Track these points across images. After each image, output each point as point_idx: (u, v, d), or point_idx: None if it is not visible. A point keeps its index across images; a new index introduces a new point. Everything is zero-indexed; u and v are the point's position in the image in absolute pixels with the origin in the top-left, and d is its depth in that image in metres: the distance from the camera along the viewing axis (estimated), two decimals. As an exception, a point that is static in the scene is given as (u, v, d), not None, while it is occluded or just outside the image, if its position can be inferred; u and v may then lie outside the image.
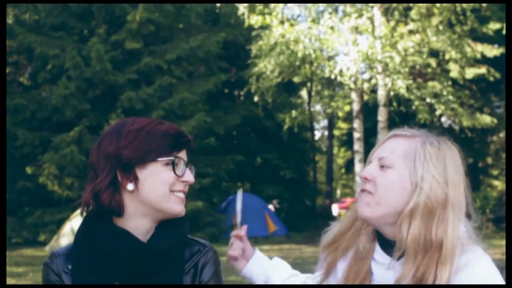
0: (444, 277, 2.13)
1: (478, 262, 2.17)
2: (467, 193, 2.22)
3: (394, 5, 20.08)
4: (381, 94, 20.42)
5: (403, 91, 19.52)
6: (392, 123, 20.07)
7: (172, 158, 2.07)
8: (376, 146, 2.31)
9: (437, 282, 2.12)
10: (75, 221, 14.93)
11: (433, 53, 21.84)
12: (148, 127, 2.09)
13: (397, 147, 2.23)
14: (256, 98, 21.30)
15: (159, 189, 2.06)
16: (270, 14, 20.60)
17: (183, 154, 2.11)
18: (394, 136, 2.27)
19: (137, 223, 2.11)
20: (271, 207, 25.18)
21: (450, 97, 20.63)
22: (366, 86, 20.85)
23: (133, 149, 2.06)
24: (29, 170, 18.83)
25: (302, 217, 27.13)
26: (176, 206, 2.08)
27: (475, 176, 25.22)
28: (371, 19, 20.11)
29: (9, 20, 21.18)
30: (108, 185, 2.06)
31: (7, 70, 21.99)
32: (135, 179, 2.07)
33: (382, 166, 2.22)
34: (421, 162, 2.18)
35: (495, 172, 27.33)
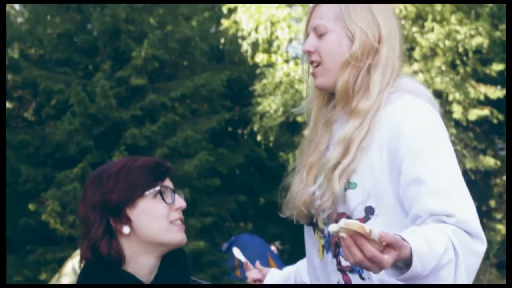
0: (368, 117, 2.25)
1: (399, 101, 2.26)
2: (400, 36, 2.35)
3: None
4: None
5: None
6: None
7: (158, 188, 2.04)
8: (307, 19, 2.42)
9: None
10: (76, 260, 14.81)
11: (437, 94, 21.89)
12: (126, 166, 2.11)
13: (324, 12, 2.33)
14: (259, 137, 21.30)
15: (156, 224, 2.09)
16: (275, 52, 20.67)
17: (168, 182, 2.09)
18: (319, 3, 2.37)
19: (140, 264, 2.11)
20: (273, 248, 25.00)
21: (453, 139, 20.63)
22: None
23: (119, 192, 2.06)
24: (31, 207, 18.77)
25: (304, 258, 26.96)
26: (177, 235, 2.10)
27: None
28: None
29: (15, 55, 21.30)
30: (103, 235, 2.04)
31: (11, 105, 22.02)
32: (129, 221, 2.06)
33: (319, 35, 2.31)
34: (348, 17, 2.28)
35: (498, 216, 27.19)
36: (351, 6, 2.27)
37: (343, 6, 2.28)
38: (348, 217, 2.23)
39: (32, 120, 22.13)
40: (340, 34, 2.27)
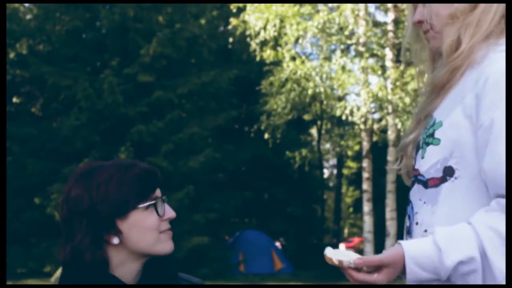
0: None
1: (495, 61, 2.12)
2: None
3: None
4: (390, 134, 20.39)
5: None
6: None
7: (153, 201, 2.00)
8: None
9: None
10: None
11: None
12: (117, 175, 1.99)
13: None
14: (266, 135, 21.27)
15: (147, 236, 1.99)
16: (282, 47, 20.62)
17: (159, 192, 2.03)
18: None
19: (126, 269, 2.04)
20: (277, 244, 25.00)
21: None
22: (376, 126, 20.83)
23: (109, 203, 1.97)
24: (37, 200, 18.81)
25: (308, 255, 26.96)
26: (167, 245, 2.01)
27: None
28: (382, 59, 20.15)
29: (23, 51, 21.35)
30: (90, 244, 1.97)
31: (18, 100, 22.09)
32: (119, 232, 1.98)
33: (424, 5, 2.31)
34: None
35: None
36: None
37: None
38: (421, 175, 2.15)
39: (39, 115, 22.17)
40: None
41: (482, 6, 2.22)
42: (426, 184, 2.12)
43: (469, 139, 2.05)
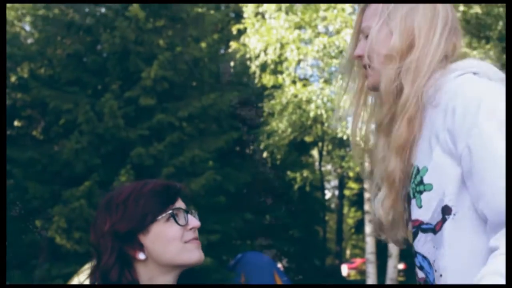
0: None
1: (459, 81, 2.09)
2: (446, 34, 2.20)
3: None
4: (391, 154, 20.40)
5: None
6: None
7: (170, 211, 2.02)
8: (355, 26, 2.36)
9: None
10: (82, 276, 14.79)
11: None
12: (133, 193, 2.07)
13: (367, 15, 2.28)
14: (265, 154, 21.28)
15: (171, 247, 2.03)
16: (282, 73, 20.70)
17: (179, 203, 2.06)
18: (362, 9, 2.32)
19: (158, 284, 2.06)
20: (280, 265, 24.88)
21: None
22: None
23: (128, 221, 2.03)
24: (38, 223, 18.80)
25: (311, 276, 26.88)
26: (193, 254, 2.03)
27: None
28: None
29: (24, 74, 21.43)
30: (114, 263, 2.02)
31: (20, 124, 22.11)
32: (143, 247, 2.04)
33: (366, 36, 2.25)
34: (386, 13, 2.21)
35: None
36: (392, 4, 2.20)
37: (385, 4, 2.22)
38: (427, 224, 2.10)
39: (40, 139, 22.17)
40: (381, 30, 2.20)
41: (419, 46, 2.16)
42: (434, 230, 2.08)
43: (456, 172, 2.03)
